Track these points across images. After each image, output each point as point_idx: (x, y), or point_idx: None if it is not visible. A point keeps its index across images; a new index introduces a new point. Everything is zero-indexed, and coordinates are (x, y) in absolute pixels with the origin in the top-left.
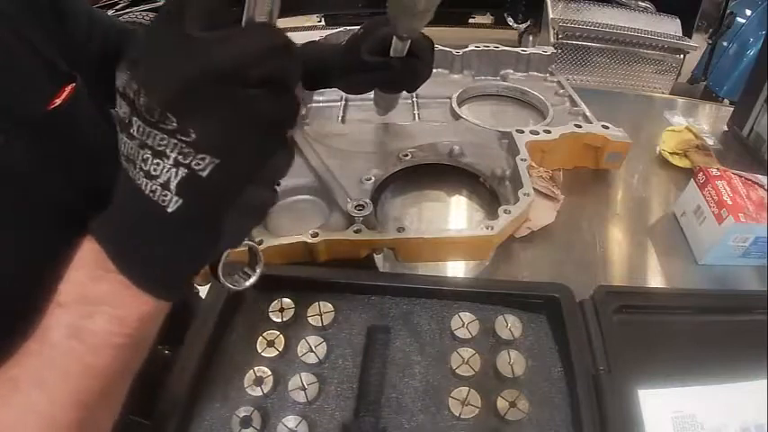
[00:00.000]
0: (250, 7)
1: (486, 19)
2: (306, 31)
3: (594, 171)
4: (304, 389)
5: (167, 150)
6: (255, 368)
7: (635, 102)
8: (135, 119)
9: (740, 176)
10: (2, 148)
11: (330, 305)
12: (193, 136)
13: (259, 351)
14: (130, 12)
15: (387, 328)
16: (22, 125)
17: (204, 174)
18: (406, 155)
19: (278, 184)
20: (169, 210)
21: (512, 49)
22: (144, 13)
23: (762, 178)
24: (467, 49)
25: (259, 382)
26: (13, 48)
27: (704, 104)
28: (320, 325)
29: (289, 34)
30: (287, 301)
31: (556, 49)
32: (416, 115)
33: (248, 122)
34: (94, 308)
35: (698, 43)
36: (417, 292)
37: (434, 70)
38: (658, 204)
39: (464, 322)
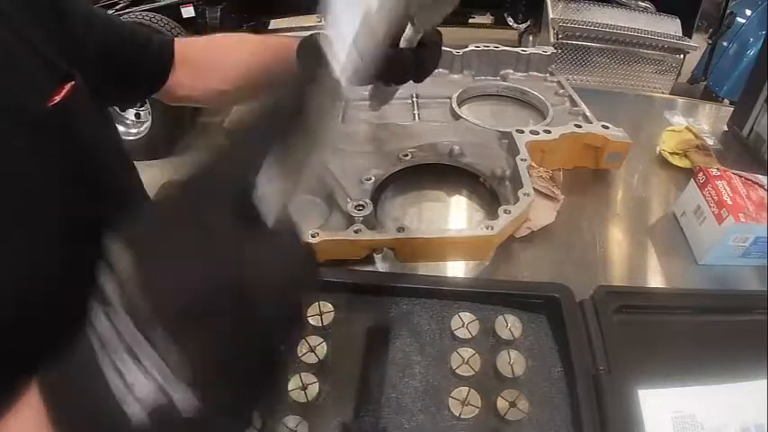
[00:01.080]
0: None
1: (486, 19)
2: (306, 31)
3: (594, 171)
4: (304, 389)
5: (147, 364)
6: None
7: (635, 102)
8: (120, 308)
9: (740, 176)
10: (2, 148)
11: (330, 305)
12: (181, 361)
13: None
14: (130, 12)
15: (387, 328)
16: (22, 125)
17: (180, 408)
18: (406, 155)
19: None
20: (132, 423)
21: (512, 49)
22: (144, 13)
23: (762, 178)
24: (467, 49)
25: None
26: (13, 48)
27: (704, 104)
28: (320, 325)
29: (288, 34)
30: None
31: (556, 49)
32: (416, 115)
33: (247, 352)
34: None
35: (698, 43)
36: (417, 292)
37: (435, 70)
38: (658, 204)
39: (464, 322)
